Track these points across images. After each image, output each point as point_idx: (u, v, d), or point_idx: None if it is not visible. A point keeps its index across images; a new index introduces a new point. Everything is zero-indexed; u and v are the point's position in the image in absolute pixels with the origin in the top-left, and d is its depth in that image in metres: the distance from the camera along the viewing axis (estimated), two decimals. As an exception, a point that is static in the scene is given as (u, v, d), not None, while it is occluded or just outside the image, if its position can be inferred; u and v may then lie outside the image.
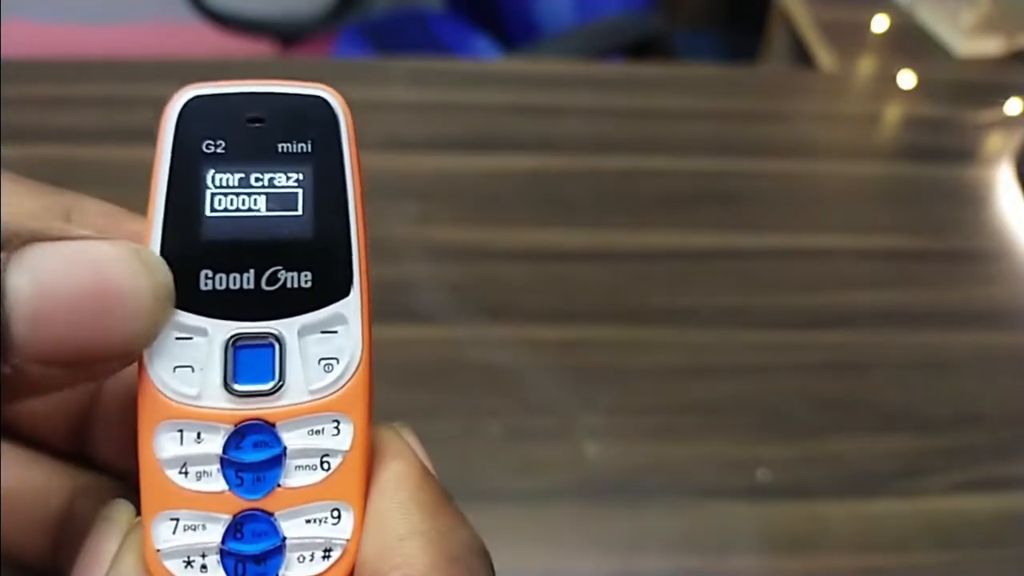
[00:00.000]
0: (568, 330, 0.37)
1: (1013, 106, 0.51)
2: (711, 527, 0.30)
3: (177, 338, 0.12)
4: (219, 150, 0.12)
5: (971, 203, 0.46)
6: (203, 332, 0.12)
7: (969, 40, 0.56)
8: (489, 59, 0.78)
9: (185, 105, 0.12)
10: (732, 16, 1.07)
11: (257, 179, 0.12)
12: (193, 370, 0.12)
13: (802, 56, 0.60)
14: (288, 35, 0.93)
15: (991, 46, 0.56)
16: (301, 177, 0.12)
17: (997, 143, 0.50)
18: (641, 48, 0.69)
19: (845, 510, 0.31)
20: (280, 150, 0.12)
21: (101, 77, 0.50)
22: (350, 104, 0.13)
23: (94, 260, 0.10)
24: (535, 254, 0.41)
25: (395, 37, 0.85)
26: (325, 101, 0.12)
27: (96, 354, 0.11)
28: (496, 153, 0.46)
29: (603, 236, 0.42)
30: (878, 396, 0.35)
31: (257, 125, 0.12)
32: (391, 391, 0.34)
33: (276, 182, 0.12)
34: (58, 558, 0.14)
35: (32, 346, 0.10)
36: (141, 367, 0.12)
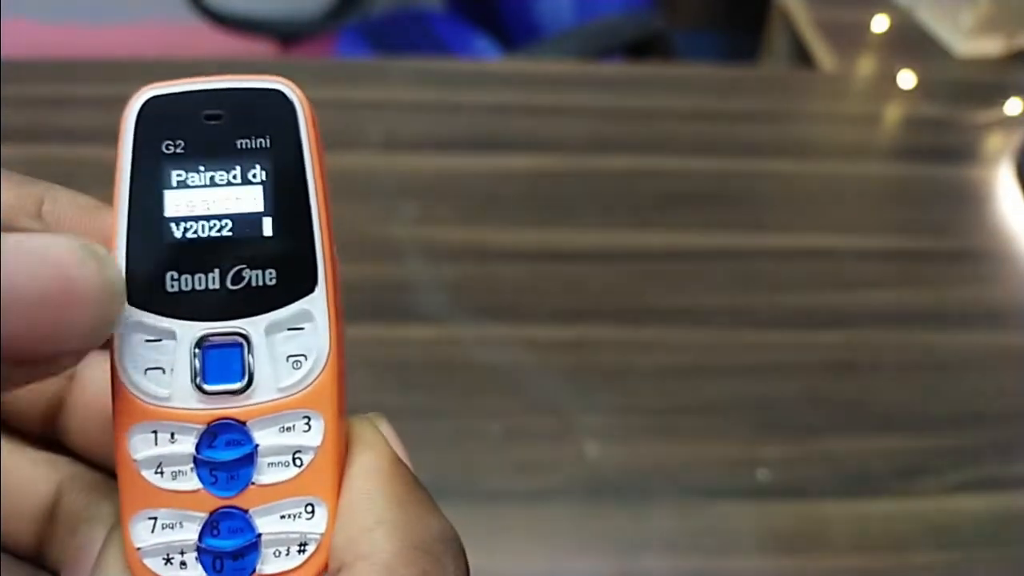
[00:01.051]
0: (568, 330, 0.37)
1: (1013, 106, 0.51)
2: (711, 527, 0.30)
3: (147, 340, 0.12)
4: (178, 150, 0.12)
5: (971, 203, 0.46)
6: (171, 334, 0.12)
7: (969, 40, 0.56)
8: (489, 59, 0.78)
9: (143, 106, 0.12)
10: (732, 16, 1.07)
11: (217, 177, 0.12)
12: (164, 371, 0.12)
13: (802, 56, 0.60)
14: (288, 35, 0.93)
15: (991, 46, 0.56)
16: (261, 173, 0.12)
17: (997, 143, 0.50)
18: (641, 48, 0.69)
19: (845, 510, 0.31)
20: (239, 146, 0.12)
21: (101, 77, 0.50)
22: (308, 98, 0.12)
23: (44, 255, 0.10)
24: (535, 254, 0.41)
25: (395, 37, 0.85)
26: (281, 94, 0.12)
27: (48, 351, 0.10)
28: (496, 153, 0.46)
29: (603, 236, 0.42)
30: (878, 396, 0.35)
31: (215, 122, 0.12)
32: (391, 391, 0.34)
33: (236, 179, 0.12)
34: (44, 550, 0.14)
35: None
36: (113, 370, 0.12)
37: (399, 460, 0.12)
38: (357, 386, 0.39)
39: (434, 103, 0.50)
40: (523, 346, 0.36)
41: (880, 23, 0.59)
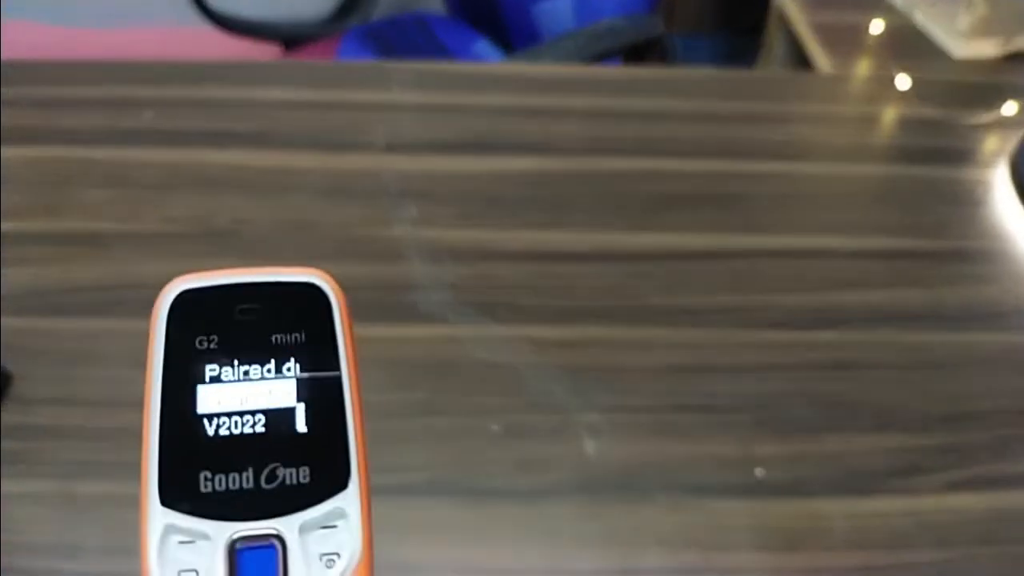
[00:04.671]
0: (567, 329, 0.37)
1: (1008, 108, 0.51)
2: (709, 524, 0.30)
3: (180, 542, 0.12)
4: (212, 345, 0.12)
5: (966, 204, 0.46)
6: (205, 535, 0.12)
7: (965, 42, 0.56)
8: (489, 62, 0.78)
9: (176, 299, 0.12)
10: (730, 19, 1.07)
11: (251, 372, 0.12)
12: (198, 574, 0.12)
13: (800, 59, 0.61)
14: (291, 39, 0.94)
15: (987, 48, 0.57)
16: (296, 368, 0.12)
17: (993, 144, 0.50)
18: (640, 51, 0.70)
19: (841, 508, 0.31)
20: (274, 342, 0.12)
21: (105, 79, 0.50)
22: (341, 285, 0.12)
23: None
24: (534, 254, 0.41)
25: (396, 40, 0.86)
26: (317, 288, 0.12)
27: None
28: (496, 155, 0.47)
29: (601, 237, 0.42)
30: (874, 395, 0.35)
31: (249, 317, 0.12)
32: (394, 389, 0.35)
33: (270, 373, 0.12)
34: None
35: None
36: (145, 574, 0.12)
37: None
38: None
39: (435, 105, 0.50)
40: (522, 345, 0.36)
41: (877, 26, 0.59)
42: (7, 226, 0.41)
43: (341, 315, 0.12)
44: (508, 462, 0.32)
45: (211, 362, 0.12)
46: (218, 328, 0.12)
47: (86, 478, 0.31)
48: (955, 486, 0.32)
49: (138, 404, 0.38)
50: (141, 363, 0.39)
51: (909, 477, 0.32)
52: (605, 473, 0.32)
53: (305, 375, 0.12)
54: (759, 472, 0.32)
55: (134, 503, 0.34)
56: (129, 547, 0.33)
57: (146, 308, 0.43)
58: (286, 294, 0.12)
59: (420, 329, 0.37)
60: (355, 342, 0.13)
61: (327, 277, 0.13)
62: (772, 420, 0.34)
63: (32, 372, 0.34)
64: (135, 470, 0.35)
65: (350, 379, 0.12)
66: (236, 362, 0.12)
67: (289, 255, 0.40)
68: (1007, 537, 0.31)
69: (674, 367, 0.36)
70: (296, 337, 0.12)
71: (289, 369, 0.12)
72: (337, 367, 0.12)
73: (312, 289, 0.13)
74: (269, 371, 0.12)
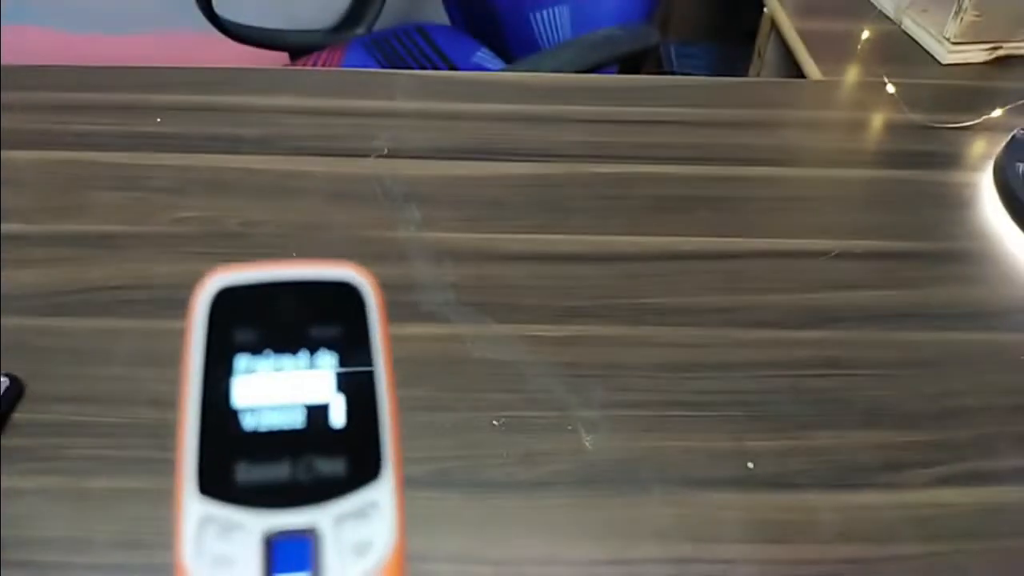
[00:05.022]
0: (566, 328, 0.38)
1: (995, 112, 0.52)
2: (702, 517, 0.31)
3: (217, 532, 0.12)
4: (250, 339, 0.12)
5: (953, 207, 0.46)
6: (241, 526, 0.12)
7: (953, 48, 0.57)
8: (490, 71, 0.79)
9: (216, 295, 0.12)
10: (723, 29, 1.09)
11: (289, 367, 0.12)
12: (232, 564, 0.12)
13: (792, 66, 0.62)
14: (298, 48, 0.95)
15: (974, 54, 0.58)
16: (332, 362, 0.12)
17: (979, 149, 0.50)
18: (636, 60, 0.71)
19: (831, 501, 0.32)
20: (311, 336, 0.12)
21: (115, 84, 0.51)
22: (378, 283, 0.13)
23: None
24: (534, 256, 0.41)
25: (400, 50, 0.87)
26: (352, 286, 0.13)
27: None
28: (497, 160, 0.47)
29: (599, 239, 0.43)
30: (863, 392, 0.36)
31: (287, 313, 0.12)
32: (398, 386, 0.36)
33: (307, 369, 0.12)
34: None
35: None
36: (178, 565, 0.12)
37: None
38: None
39: (437, 113, 0.51)
40: (523, 343, 0.37)
41: (867, 33, 0.60)
42: (19, 228, 0.41)
43: (376, 311, 0.13)
44: (509, 456, 0.32)
45: (249, 355, 0.12)
46: (256, 323, 0.12)
47: (97, 474, 0.31)
48: (942, 481, 0.32)
49: (148, 401, 0.39)
50: (151, 361, 0.40)
51: (897, 472, 0.33)
52: (602, 467, 0.32)
53: (341, 370, 0.12)
54: (751, 466, 0.32)
55: (144, 498, 0.35)
56: (139, 540, 0.34)
57: (156, 307, 0.44)
58: (323, 291, 0.13)
59: (423, 328, 0.37)
60: (388, 336, 0.13)
61: (364, 273, 0.13)
62: (764, 416, 0.34)
63: (44, 370, 0.34)
64: (145, 465, 0.36)
65: (385, 372, 0.13)
66: (274, 355, 0.12)
67: (296, 256, 0.41)
68: (993, 531, 0.31)
69: (669, 365, 0.36)
70: (333, 333, 0.13)
71: (325, 363, 0.12)
72: (371, 362, 0.13)
73: (348, 287, 0.13)
74: (305, 364, 0.12)
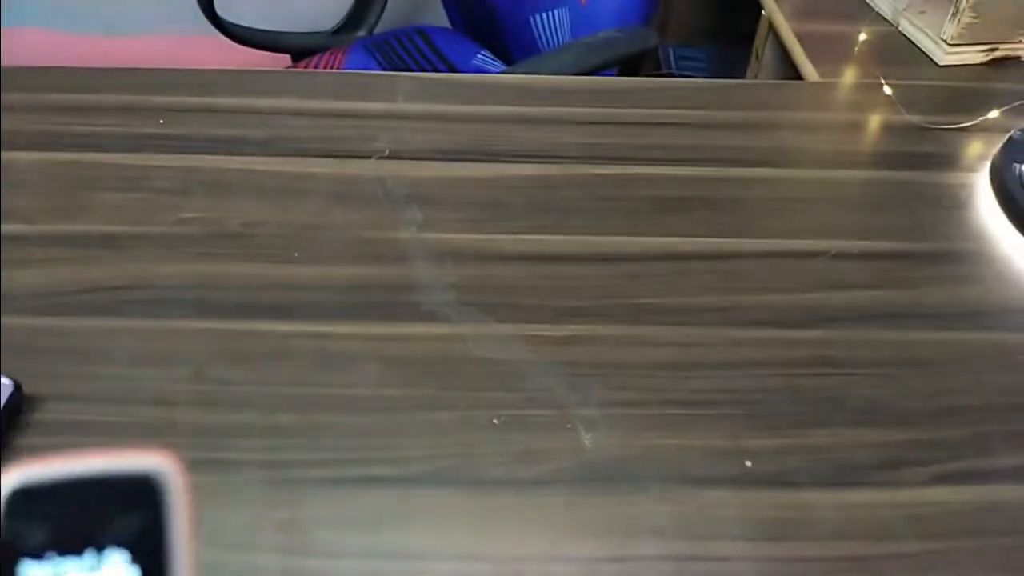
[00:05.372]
0: (565, 328, 0.38)
1: (991, 113, 0.52)
2: (700, 514, 0.31)
3: None
4: (39, 541, 0.12)
5: (950, 208, 0.47)
6: None
7: (950, 50, 0.58)
8: (490, 73, 0.80)
9: (10, 496, 0.12)
10: (722, 31, 1.09)
11: (72, 571, 0.12)
12: None
13: (789, 68, 0.62)
14: (299, 50, 0.96)
15: (971, 55, 0.58)
16: (123, 561, 0.12)
17: (976, 150, 0.51)
18: (635, 62, 0.71)
19: (827, 499, 0.32)
20: (106, 535, 0.12)
21: (117, 86, 0.51)
22: (185, 481, 0.12)
23: None
24: (534, 256, 0.42)
25: (401, 52, 0.88)
26: (154, 478, 0.12)
27: None
28: (497, 162, 0.47)
29: (598, 239, 0.43)
30: (859, 391, 0.36)
31: (81, 513, 0.12)
32: (398, 385, 0.36)
33: (91, 572, 0.12)
34: None
35: None
36: None
37: None
38: (367, 380, 0.40)
39: (438, 114, 0.51)
40: (522, 343, 0.37)
41: (864, 34, 0.60)
42: (20, 228, 0.42)
43: (179, 502, 0.12)
44: (508, 454, 0.33)
45: (38, 560, 0.12)
46: (47, 526, 0.12)
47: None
48: (939, 479, 0.33)
49: (148, 401, 0.39)
50: (151, 361, 0.40)
51: (894, 470, 0.33)
52: (601, 465, 0.33)
53: (132, 569, 0.12)
54: (748, 464, 0.33)
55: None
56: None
57: (158, 307, 0.44)
58: (122, 485, 0.12)
59: (423, 328, 0.38)
60: (192, 529, 0.12)
61: (169, 464, 0.12)
62: (761, 415, 0.35)
63: (44, 370, 0.35)
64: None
65: (184, 569, 0.12)
66: (65, 560, 0.12)
67: (298, 257, 0.42)
68: (990, 529, 0.31)
69: (668, 364, 0.37)
70: (130, 530, 0.12)
71: (115, 563, 0.12)
72: (164, 559, 0.12)
73: (149, 479, 0.12)
74: (92, 567, 0.12)
